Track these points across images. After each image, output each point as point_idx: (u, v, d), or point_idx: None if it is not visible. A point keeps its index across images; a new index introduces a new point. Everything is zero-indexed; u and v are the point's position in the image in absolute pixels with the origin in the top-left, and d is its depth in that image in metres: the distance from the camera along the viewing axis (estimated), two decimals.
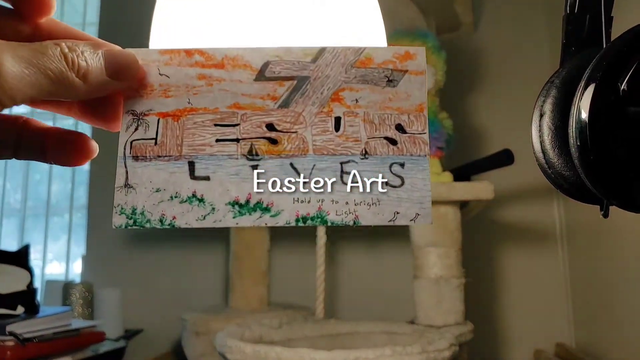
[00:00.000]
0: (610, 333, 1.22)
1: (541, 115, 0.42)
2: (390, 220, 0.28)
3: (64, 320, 1.15)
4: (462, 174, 1.11)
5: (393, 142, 0.29)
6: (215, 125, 0.29)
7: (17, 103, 0.23)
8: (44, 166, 2.04)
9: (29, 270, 1.15)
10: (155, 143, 0.28)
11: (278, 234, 1.43)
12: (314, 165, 0.28)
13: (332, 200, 0.28)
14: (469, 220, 1.26)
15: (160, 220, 0.28)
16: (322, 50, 0.29)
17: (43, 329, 1.08)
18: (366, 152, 0.28)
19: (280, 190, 0.28)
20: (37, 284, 1.22)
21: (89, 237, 1.78)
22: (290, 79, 0.29)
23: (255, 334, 0.97)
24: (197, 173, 0.28)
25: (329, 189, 0.28)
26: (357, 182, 0.28)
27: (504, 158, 1.02)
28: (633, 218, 1.05)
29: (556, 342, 1.45)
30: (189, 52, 0.29)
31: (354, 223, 0.28)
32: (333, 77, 0.29)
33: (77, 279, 1.70)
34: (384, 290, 1.55)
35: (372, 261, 1.58)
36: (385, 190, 0.28)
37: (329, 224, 0.28)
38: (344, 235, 1.57)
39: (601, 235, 1.22)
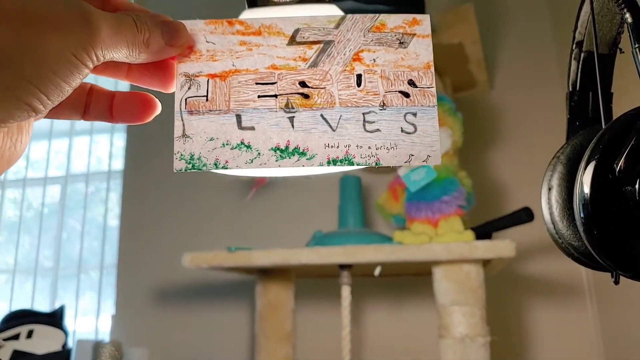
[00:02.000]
0: None
1: (549, 189, 0.46)
2: (406, 162, 0.32)
3: None
4: (483, 232, 1.13)
5: (406, 95, 0.33)
6: (257, 83, 0.33)
7: (104, 59, 0.27)
8: (76, 224, 2.11)
9: (64, 330, 1.19)
10: (207, 100, 0.33)
11: (302, 294, 1.45)
12: (341, 115, 0.33)
13: (357, 145, 0.32)
14: (493, 277, 1.26)
15: (215, 164, 0.32)
16: (343, 18, 0.34)
17: None
18: (384, 103, 0.33)
19: (314, 137, 0.32)
20: (70, 343, 1.25)
21: (119, 296, 1.81)
22: (317, 43, 0.33)
23: None
24: (244, 124, 0.33)
25: (354, 136, 0.32)
26: (377, 130, 0.33)
27: (524, 216, 1.04)
28: None
29: None
30: (230, 22, 0.33)
31: (376, 164, 0.32)
32: (353, 40, 0.33)
33: (106, 337, 1.72)
34: (409, 350, 1.53)
35: (396, 320, 1.58)
36: (401, 136, 0.33)
37: (355, 165, 0.32)
38: (369, 291, 1.58)
39: (632, 288, 1.21)
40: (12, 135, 0.27)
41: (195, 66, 0.33)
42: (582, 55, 0.47)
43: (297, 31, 0.33)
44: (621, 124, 0.37)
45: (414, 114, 0.33)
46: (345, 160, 0.32)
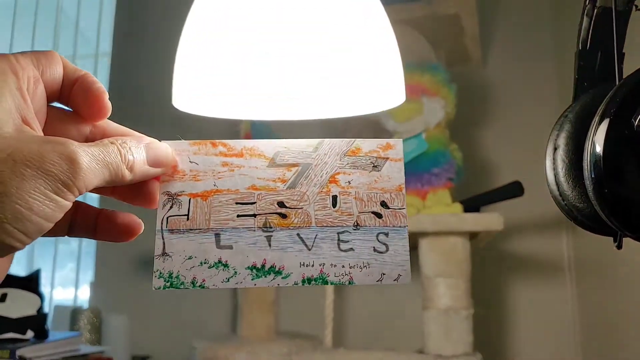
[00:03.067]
0: None
1: (555, 149, 0.44)
2: (378, 280, 0.34)
3: (72, 345, 1.15)
4: (472, 205, 1.12)
5: (379, 215, 0.35)
6: (237, 203, 0.34)
7: (87, 190, 0.28)
8: None
9: (39, 295, 1.16)
10: (187, 219, 0.34)
11: None
12: (316, 235, 0.34)
13: (332, 264, 0.34)
14: (478, 252, 1.26)
15: (192, 283, 0.33)
16: (321, 142, 0.36)
17: (52, 354, 1.08)
18: (357, 224, 0.35)
19: (290, 256, 0.34)
20: (46, 309, 1.22)
21: (97, 264, 1.78)
22: (296, 165, 0.35)
23: None
24: (222, 243, 0.34)
25: (329, 255, 0.34)
26: (351, 249, 0.34)
27: (514, 189, 1.03)
28: None
29: None
30: (214, 144, 0.35)
31: (349, 282, 0.34)
32: (330, 164, 0.35)
33: (85, 305, 1.70)
34: (392, 320, 1.54)
35: (380, 291, 1.58)
36: (373, 255, 0.34)
37: (329, 284, 0.34)
38: None
39: (610, 268, 1.22)
40: None
41: (178, 185, 0.34)
42: (596, 11, 0.45)
43: (277, 154, 0.35)
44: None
45: (386, 234, 0.34)
46: (320, 279, 0.33)
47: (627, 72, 0.41)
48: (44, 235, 0.31)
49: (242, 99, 0.47)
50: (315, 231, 0.34)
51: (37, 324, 1.14)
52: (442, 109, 1.11)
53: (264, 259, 0.33)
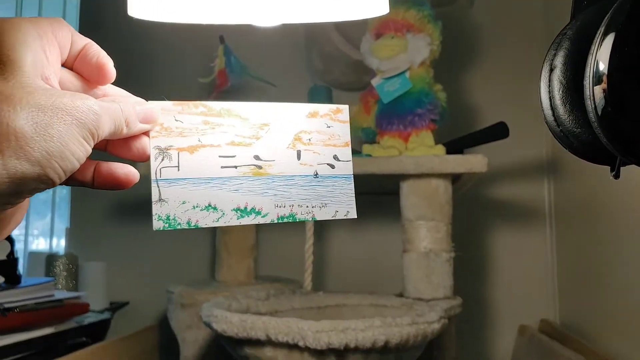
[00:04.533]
0: (593, 310, 1.22)
1: (551, 70, 0.40)
2: (332, 216, 0.43)
3: (46, 291, 1.12)
4: (455, 147, 1.10)
5: (332, 166, 0.43)
6: (219, 156, 0.40)
7: (101, 138, 0.34)
8: None
9: (9, 240, 1.12)
10: (178, 170, 0.39)
11: None
12: (286, 182, 0.42)
13: (299, 205, 0.42)
14: (459, 196, 1.24)
15: (188, 223, 0.39)
16: (287, 106, 0.43)
17: (25, 299, 1.06)
18: (317, 173, 0.43)
19: (266, 200, 0.41)
20: (20, 257, 1.19)
21: (73, 210, 1.74)
22: (267, 125, 0.42)
23: (242, 305, 0.96)
24: (210, 190, 0.40)
25: (296, 197, 0.42)
26: (313, 192, 0.42)
27: (499, 131, 1.00)
28: (620, 197, 1.05)
29: (541, 319, 1.46)
30: (195, 105, 0.40)
31: (312, 218, 0.43)
32: (294, 123, 0.43)
33: (61, 252, 1.67)
34: (371, 264, 1.54)
35: (360, 235, 1.57)
36: (328, 196, 0.43)
37: (297, 220, 0.42)
38: None
39: (589, 214, 1.22)
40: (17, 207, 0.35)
41: (167, 141, 0.39)
42: None
43: (251, 115, 0.41)
44: None
45: (337, 180, 0.43)
46: (290, 216, 0.42)
47: None
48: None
49: None
50: (285, 179, 0.42)
51: (7, 269, 1.11)
52: (428, 46, 1.07)
53: (246, 202, 0.40)
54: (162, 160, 0.39)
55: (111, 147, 0.38)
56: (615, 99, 0.32)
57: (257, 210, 0.40)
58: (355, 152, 1.18)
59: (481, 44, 1.59)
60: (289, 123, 0.42)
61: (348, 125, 0.43)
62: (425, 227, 1.08)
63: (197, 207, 0.39)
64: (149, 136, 0.39)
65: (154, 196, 0.38)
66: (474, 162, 1.01)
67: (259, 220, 0.41)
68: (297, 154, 0.42)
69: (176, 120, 0.39)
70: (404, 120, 1.09)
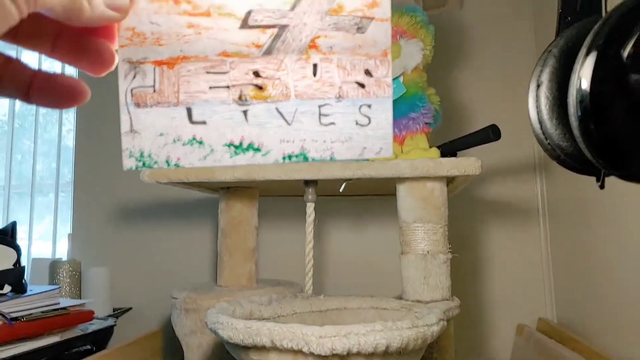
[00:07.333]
0: (590, 308, 1.24)
1: (538, 86, 0.42)
2: (359, 155, 0.32)
3: (52, 299, 1.14)
4: (448, 150, 1.12)
5: (362, 85, 0.32)
6: (207, 72, 0.31)
7: (40, 9, 0.24)
8: (29, 145, 2.00)
9: (16, 248, 1.14)
10: (154, 90, 0.30)
11: (266, 212, 1.43)
12: (296, 109, 0.31)
13: (313, 139, 0.31)
14: (451, 197, 1.26)
15: (167, 162, 0.30)
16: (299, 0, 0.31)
17: (31, 308, 1.07)
18: (340, 95, 0.32)
19: (268, 132, 0.31)
20: (24, 263, 1.20)
21: (75, 216, 1.76)
22: (271, 27, 0.31)
23: (246, 310, 0.98)
24: (195, 118, 0.31)
25: (310, 130, 0.31)
26: (332, 123, 0.32)
27: (491, 134, 1.02)
28: (613, 195, 1.07)
29: (538, 317, 1.48)
30: (176, 1, 0.30)
31: (331, 158, 0.31)
32: (310, 25, 0.31)
33: (64, 258, 1.68)
34: (370, 266, 1.56)
35: (358, 238, 1.59)
36: (355, 128, 0.32)
37: (311, 160, 0.31)
38: (332, 211, 1.57)
39: (581, 212, 1.24)
40: None
41: (140, 51, 0.30)
42: None
43: (249, 13, 0.31)
44: (630, 6, 0.33)
45: (369, 106, 0.32)
46: (301, 155, 0.31)
47: (610, 6, 0.39)
48: None
49: None
50: (295, 104, 0.31)
51: (14, 278, 1.12)
52: (421, 51, 1.09)
53: (242, 135, 0.31)
54: (134, 78, 0.30)
55: (58, 49, 0.29)
56: (598, 116, 0.34)
57: (256, 146, 0.31)
58: None
59: (472, 45, 1.61)
60: (302, 24, 0.31)
61: (389, 25, 0.31)
62: (422, 230, 1.10)
63: (178, 140, 0.30)
64: (114, 37, 0.30)
65: (124, 126, 0.30)
66: (467, 164, 1.02)
67: (259, 159, 0.31)
68: (313, 68, 0.31)
69: (152, 23, 0.30)
70: (398, 124, 1.11)
